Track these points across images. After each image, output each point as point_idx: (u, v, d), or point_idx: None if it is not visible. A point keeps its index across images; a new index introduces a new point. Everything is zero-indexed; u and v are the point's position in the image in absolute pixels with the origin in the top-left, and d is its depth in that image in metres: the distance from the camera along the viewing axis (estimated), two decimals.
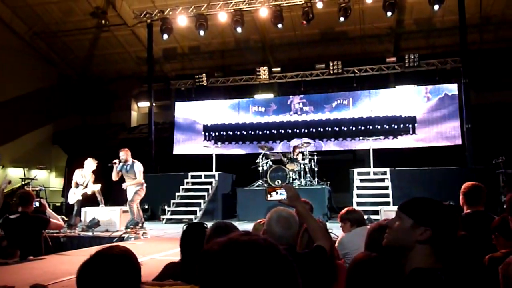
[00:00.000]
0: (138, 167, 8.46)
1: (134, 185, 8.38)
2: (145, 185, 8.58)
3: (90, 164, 8.96)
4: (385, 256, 1.92)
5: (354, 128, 14.51)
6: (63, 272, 4.60)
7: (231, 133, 15.68)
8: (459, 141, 13.20)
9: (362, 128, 14.40)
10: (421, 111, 14.10)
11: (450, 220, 1.59)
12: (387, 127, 14.19)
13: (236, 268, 0.85)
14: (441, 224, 1.58)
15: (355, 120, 14.53)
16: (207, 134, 15.92)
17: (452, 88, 13.91)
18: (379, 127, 14.23)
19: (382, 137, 13.83)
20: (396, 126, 14.16)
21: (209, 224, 2.57)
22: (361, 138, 13.90)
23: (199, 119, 16.12)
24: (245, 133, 15.53)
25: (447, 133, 13.76)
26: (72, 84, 18.13)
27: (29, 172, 14.82)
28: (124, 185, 8.43)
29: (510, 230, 2.60)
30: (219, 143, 15.31)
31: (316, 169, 12.11)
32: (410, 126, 14.08)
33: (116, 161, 8.39)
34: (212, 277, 0.87)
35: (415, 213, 1.61)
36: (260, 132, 15.34)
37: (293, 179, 11.56)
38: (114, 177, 8.41)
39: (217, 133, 15.82)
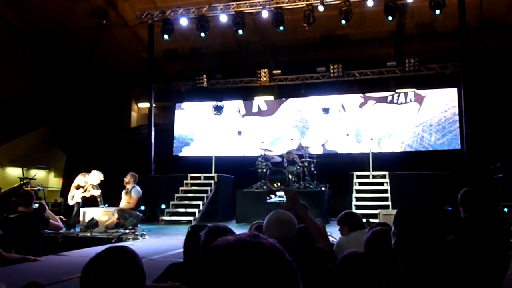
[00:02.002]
0: (136, 192, 8.42)
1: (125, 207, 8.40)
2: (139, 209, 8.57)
3: (96, 177, 8.95)
4: (385, 259, 1.93)
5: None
6: (61, 272, 4.59)
7: (230, 135, 15.69)
8: (458, 146, 13.22)
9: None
10: (421, 115, 14.13)
11: (416, 224, 1.57)
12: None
13: (241, 269, 0.85)
14: (405, 227, 1.60)
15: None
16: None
17: (452, 93, 13.94)
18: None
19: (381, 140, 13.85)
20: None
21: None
22: (361, 141, 13.90)
23: (199, 121, 16.14)
24: (245, 135, 15.53)
25: (446, 137, 13.78)
26: (71, 84, 18.12)
27: (27, 171, 14.81)
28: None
29: None
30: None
31: (315, 172, 12.12)
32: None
33: None
34: (216, 276, 0.87)
35: (395, 218, 1.68)
36: (260, 134, 15.34)
37: (292, 182, 11.56)
38: None
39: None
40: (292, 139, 14.11)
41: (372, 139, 12.82)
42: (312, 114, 15.11)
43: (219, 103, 15.68)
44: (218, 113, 15.73)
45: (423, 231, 1.55)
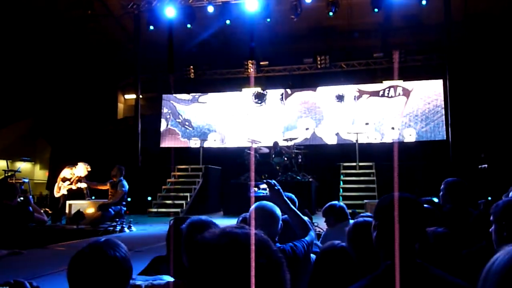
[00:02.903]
0: (122, 187, 8.38)
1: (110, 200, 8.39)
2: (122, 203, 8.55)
3: (82, 169, 8.88)
4: (368, 251, 1.95)
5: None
6: (46, 265, 4.57)
7: (218, 126, 15.64)
8: (443, 137, 13.38)
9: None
10: (407, 107, 14.26)
11: (390, 215, 1.57)
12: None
13: (229, 260, 0.86)
14: (382, 218, 1.63)
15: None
16: (193, 128, 15.87)
17: (437, 84, 14.08)
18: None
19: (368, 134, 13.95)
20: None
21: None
22: (348, 132, 13.97)
23: (186, 113, 16.06)
24: (234, 126, 15.51)
25: (431, 128, 13.95)
26: (56, 75, 17.85)
27: (12, 164, 14.60)
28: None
29: None
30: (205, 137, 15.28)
31: (302, 163, 12.19)
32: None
33: None
34: (203, 268, 0.88)
35: (374, 211, 1.72)
36: (248, 125, 15.33)
37: (279, 173, 11.61)
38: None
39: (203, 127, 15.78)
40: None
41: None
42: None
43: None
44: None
45: (403, 223, 1.56)
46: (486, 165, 10.37)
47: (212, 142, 15.30)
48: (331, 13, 12.56)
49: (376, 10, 12.26)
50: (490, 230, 2.14)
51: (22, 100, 16.39)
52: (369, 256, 1.93)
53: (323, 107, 14.88)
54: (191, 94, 16.19)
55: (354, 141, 12.66)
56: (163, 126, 16.14)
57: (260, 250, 0.89)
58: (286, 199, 2.72)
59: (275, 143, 12.08)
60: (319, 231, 6.11)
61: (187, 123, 16.02)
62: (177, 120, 16.15)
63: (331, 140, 14.57)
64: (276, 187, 2.71)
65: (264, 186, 2.70)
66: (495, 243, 2.09)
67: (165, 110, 16.31)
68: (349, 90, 14.73)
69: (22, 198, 4.98)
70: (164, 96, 16.40)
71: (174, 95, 16.38)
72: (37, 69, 17.20)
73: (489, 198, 9.40)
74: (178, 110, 16.22)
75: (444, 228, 2.40)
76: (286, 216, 2.73)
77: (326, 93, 14.98)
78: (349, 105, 14.64)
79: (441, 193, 3.69)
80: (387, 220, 1.59)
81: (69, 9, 15.07)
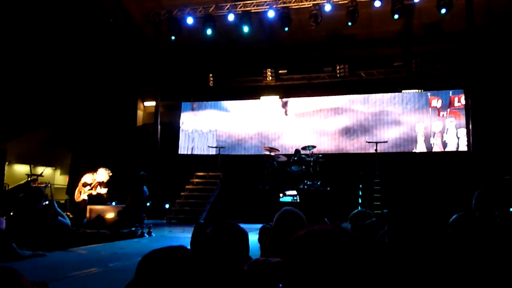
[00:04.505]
0: (141, 192, 8.59)
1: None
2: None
3: (103, 174, 9.01)
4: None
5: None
6: (67, 268, 4.61)
7: (237, 134, 15.69)
8: (465, 148, 13.14)
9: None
10: (430, 117, 14.08)
11: (407, 222, 1.62)
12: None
13: (329, 256, 0.93)
14: (397, 226, 1.65)
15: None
16: (213, 135, 15.95)
17: (458, 94, 13.88)
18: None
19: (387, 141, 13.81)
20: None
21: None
22: (367, 142, 13.86)
23: (206, 120, 16.17)
24: (251, 134, 15.53)
25: (454, 139, 13.72)
26: (78, 83, 18.19)
27: (34, 168, 14.89)
28: None
29: None
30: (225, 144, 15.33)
31: (321, 171, 12.11)
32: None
33: None
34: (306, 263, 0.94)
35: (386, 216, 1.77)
36: (266, 133, 15.33)
37: (297, 181, 11.55)
38: None
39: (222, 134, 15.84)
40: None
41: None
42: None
43: None
44: None
45: (414, 229, 1.57)
46: (509, 176, 10.13)
47: (230, 149, 15.33)
48: (350, 23, 12.53)
49: (396, 16, 12.16)
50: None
51: (44, 107, 16.74)
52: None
53: (342, 116, 14.80)
54: (210, 101, 16.30)
55: (374, 151, 12.54)
56: (182, 133, 16.26)
57: (355, 245, 0.98)
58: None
59: (297, 151, 12.04)
60: None
61: (205, 130, 16.11)
62: (196, 127, 16.25)
63: (350, 149, 14.46)
64: None
65: (290, 192, 2.70)
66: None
67: (184, 118, 16.44)
68: (367, 99, 14.65)
69: (47, 202, 5.06)
70: (183, 103, 16.55)
71: (193, 102, 16.51)
72: (60, 77, 17.56)
73: (511, 209, 9.22)
74: (197, 117, 16.33)
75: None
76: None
77: (344, 101, 14.91)
78: (368, 114, 14.53)
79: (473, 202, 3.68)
80: (398, 226, 1.64)
81: (92, 18, 15.38)
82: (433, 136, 13.88)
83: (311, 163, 11.91)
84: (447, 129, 13.83)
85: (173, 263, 1.46)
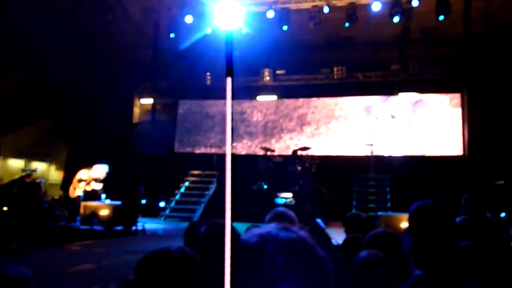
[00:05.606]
0: (135, 190, 8.64)
1: None
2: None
3: (100, 170, 9.01)
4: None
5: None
6: (60, 264, 4.62)
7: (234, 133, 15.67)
8: (460, 152, 13.20)
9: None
10: (425, 120, 14.13)
11: (432, 225, 1.58)
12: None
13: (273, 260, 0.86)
14: (421, 228, 1.61)
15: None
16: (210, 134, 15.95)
17: (455, 98, 13.94)
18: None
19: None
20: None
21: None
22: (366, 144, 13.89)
23: (201, 118, 16.15)
24: (248, 133, 15.53)
25: (449, 143, 13.77)
26: (74, 77, 18.11)
27: (29, 163, 14.84)
28: None
29: None
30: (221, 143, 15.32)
31: (316, 173, 12.13)
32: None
33: None
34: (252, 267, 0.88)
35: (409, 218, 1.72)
36: (262, 133, 15.34)
37: (292, 183, 11.57)
38: None
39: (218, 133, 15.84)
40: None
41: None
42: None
43: None
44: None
45: (439, 232, 1.56)
46: (503, 181, 10.20)
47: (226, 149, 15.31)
48: (347, 24, 12.57)
49: (395, 20, 12.21)
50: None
51: (39, 102, 16.65)
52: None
53: (339, 118, 14.83)
54: (207, 100, 16.29)
55: (369, 153, 12.58)
56: (178, 131, 16.24)
57: (305, 251, 0.90)
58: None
59: (294, 152, 12.06)
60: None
61: (201, 129, 16.10)
62: (192, 126, 16.24)
63: (345, 151, 14.49)
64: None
65: (284, 194, 2.71)
66: None
67: (180, 116, 16.42)
68: (364, 101, 14.69)
69: (46, 198, 5.05)
70: (180, 101, 16.53)
71: (189, 100, 16.50)
72: (56, 71, 17.48)
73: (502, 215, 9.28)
74: (194, 115, 16.32)
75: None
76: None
77: (341, 103, 14.95)
78: (364, 117, 14.57)
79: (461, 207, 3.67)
80: (422, 228, 1.59)
81: (90, 13, 15.33)
82: (428, 140, 13.93)
83: (306, 164, 11.94)
84: (443, 133, 13.88)
85: (173, 265, 1.48)
